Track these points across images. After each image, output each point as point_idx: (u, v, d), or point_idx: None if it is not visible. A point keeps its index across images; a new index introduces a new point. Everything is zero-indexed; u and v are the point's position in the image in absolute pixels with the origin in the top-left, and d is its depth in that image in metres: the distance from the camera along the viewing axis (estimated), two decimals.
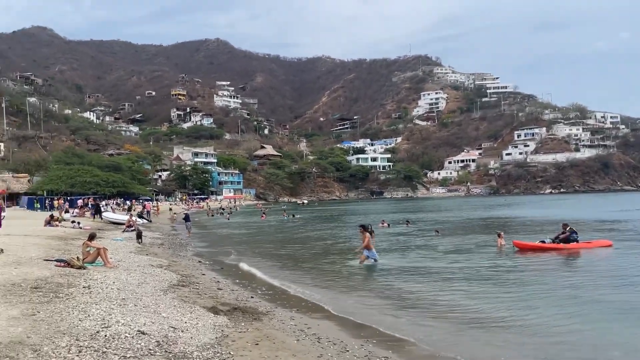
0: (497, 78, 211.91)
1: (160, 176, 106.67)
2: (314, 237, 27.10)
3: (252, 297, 9.97)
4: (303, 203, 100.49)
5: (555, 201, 76.82)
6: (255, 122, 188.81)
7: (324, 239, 25.81)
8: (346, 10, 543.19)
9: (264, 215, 48.82)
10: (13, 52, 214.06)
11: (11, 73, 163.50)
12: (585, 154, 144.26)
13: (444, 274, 13.48)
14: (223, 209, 63.96)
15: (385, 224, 31.00)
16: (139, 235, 20.59)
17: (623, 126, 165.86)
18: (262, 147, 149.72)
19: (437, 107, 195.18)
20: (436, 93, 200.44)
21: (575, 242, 18.12)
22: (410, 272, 14.01)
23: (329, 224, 38.27)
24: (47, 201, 48.13)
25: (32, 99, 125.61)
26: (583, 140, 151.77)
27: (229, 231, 33.51)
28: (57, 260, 12.12)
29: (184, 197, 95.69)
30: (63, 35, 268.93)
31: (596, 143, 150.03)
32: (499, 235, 19.39)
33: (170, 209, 59.67)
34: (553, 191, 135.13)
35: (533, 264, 15.44)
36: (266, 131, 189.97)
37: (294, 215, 49.19)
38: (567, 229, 18.42)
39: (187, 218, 30.32)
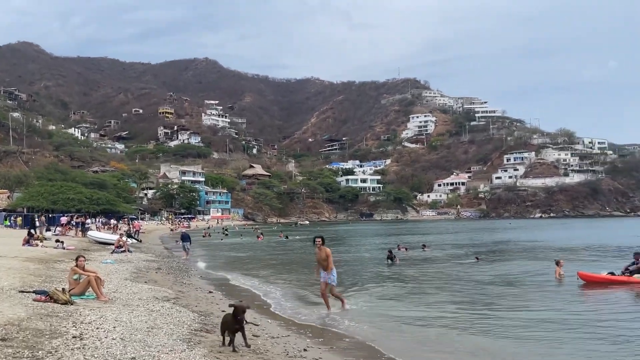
0: (485, 102, 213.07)
1: (146, 194, 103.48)
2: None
3: (306, 350, 7.51)
4: (296, 224, 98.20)
5: (561, 225, 75.54)
6: (244, 142, 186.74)
7: (344, 263, 23.52)
8: (335, 34, 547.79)
9: (261, 236, 46.54)
10: None
11: None
12: (575, 179, 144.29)
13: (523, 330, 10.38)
14: (226, 230, 61.44)
15: (402, 248, 28.83)
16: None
17: (611, 152, 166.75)
18: (251, 167, 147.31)
19: (426, 130, 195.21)
20: (425, 116, 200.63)
21: None
22: (481, 320, 11.59)
23: (338, 246, 35.92)
24: (15, 218, 45.07)
25: (16, 114, 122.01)
26: (572, 165, 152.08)
27: (230, 253, 30.94)
28: (36, 293, 9.63)
29: (171, 217, 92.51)
30: (49, 52, 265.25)
31: (585, 168, 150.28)
32: (558, 264, 17.16)
33: (172, 230, 57.20)
34: (543, 215, 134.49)
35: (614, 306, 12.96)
36: (254, 151, 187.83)
37: (287, 237, 47.21)
38: None
39: (185, 237, 27.71)
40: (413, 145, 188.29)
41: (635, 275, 15.54)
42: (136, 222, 48.28)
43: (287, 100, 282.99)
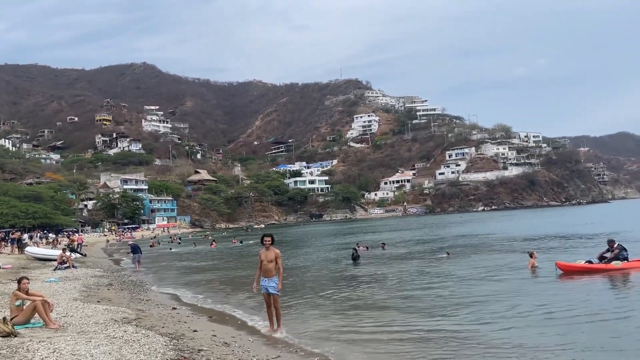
0: (425, 101, 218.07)
1: (86, 206, 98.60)
2: (291, 265, 23.80)
3: None
4: (248, 229, 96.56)
5: (506, 217, 77.97)
6: (187, 147, 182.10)
7: (306, 267, 22.74)
8: (276, 36, 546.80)
9: (214, 243, 45.05)
10: None
11: None
12: (513, 172, 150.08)
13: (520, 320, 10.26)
14: (180, 238, 59.40)
15: (362, 247, 28.40)
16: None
17: (545, 145, 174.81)
18: (196, 172, 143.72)
19: (370, 130, 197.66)
20: (368, 116, 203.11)
21: (625, 261, 15.91)
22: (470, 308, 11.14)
23: (296, 250, 35.13)
24: None
25: None
26: (510, 159, 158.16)
27: (183, 263, 29.50)
28: None
29: (113, 228, 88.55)
30: None
31: (522, 161, 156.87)
32: (531, 255, 17.11)
33: (108, 241, 54.52)
34: (485, 208, 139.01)
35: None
36: (199, 156, 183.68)
37: (241, 242, 46.14)
38: (615, 245, 16.21)
39: (135, 249, 26.08)
40: (358, 145, 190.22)
41: (614, 262, 15.73)
42: (77, 235, 45.48)
43: (230, 104, 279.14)
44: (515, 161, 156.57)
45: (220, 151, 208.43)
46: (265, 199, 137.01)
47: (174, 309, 12.35)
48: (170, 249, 44.51)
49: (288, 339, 9.43)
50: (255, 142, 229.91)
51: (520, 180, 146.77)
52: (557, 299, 11.97)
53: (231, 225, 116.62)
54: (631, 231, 30.86)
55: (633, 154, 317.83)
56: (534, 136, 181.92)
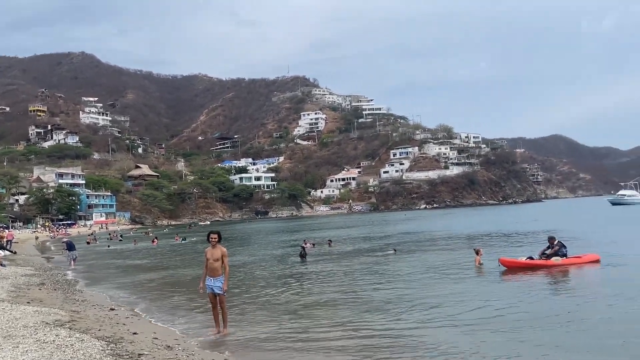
0: (371, 100, 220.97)
1: (17, 200, 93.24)
2: (238, 263, 23.28)
3: None
4: (191, 225, 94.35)
5: (448, 214, 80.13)
6: (128, 141, 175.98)
7: (254, 265, 22.27)
8: (222, 30, 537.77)
9: (155, 240, 43.54)
10: None
11: None
12: (454, 171, 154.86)
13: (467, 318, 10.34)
14: (121, 235, 57.12)
15: (309, 244, 28.17)
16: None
17: (484, 145, 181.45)
18: (137, 167, 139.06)
19: (317, 127, 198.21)
20: (315, 113, 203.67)
21: (564, 257, 16.49)
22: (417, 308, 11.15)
23: (242, 247, 34.46)
24: None
25: None
26: (451, 159, 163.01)
27: (123, 261, 28.21)
28: None
29: (47, 224, 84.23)
30: None
31: (462, 161, 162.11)
32: (477, 253, 17.41)
33: (37, 238, 51.58)
34: (427, 206, 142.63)
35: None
36: (140, 150, 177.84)
37: (184, 239, 44.91)
38: (555, 242, 16.78)
39: (70, 246, 24.74)
40: (305, 142, 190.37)
41: (553, 259, 16.29)
42: (7, 231, 42.76)
43: (174, 97, 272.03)
44: (456, 161, 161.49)
45: (163, 146, 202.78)
46: (210, 195, 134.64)
47: (112, 309, 11.64)
48: (109, 246, 42.71)
49: (235, 342, 9.05)
50: (200, 137, 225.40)
51: (461, 179, 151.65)
52: (501, 297, 12.19)
53: (173, 222, 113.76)
54: (567, 229, 32.34)
55: (565, 155, 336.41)
56: (474, 137, 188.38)
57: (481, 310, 10.76)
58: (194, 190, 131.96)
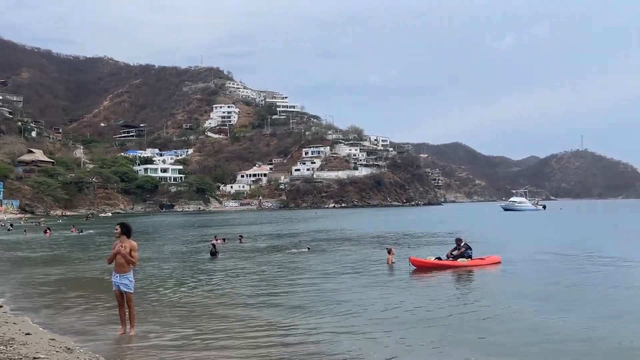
0: (286, 97, 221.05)
1: None
2: (144, 259, 21.93)
3: None
4: (89, 216, 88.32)
5: (357, 214, 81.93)
6: (20, 123, 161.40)
7: (162, 260, 21.04)
8: (132, 12, 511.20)
9: (48, 231, 40.15)
10: None
11: None
12: (362, 172, 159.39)
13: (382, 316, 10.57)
14: (11, 224, 51.91)
15: (219, 240, 27.24)
16: None
17: (392, 149, 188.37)
18: (30, 152, 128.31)
19: (230, 121, 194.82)
20: (228, 107, 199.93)
21: (469, 259, 17.20)
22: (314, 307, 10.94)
23: (148, 242, 32.59)
24: None
25: None
26: (360, 160, 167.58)
27: (12, 253, 25.61)
28: None
29: None
30: None
31: (371, 163, 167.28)
32: (389, 252, 17.64)
33: None
34: (336, 205, 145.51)
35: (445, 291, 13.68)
36: (34, 134, 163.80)
37: (81, 231, 41.94)
38: (462, 244, 17.46)
39: None
40: (216, 136, 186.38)
41: (460, 260, 16.98)
42: None
43: (75, 80, 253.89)
44: (365, 162, 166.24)
45: (60, 131, 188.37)
46: (111, 185, 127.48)
47: (0, 307, 10.36)
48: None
49: (142, 343, 8.35)
50: (102, 124, 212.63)
51: (369, 180, 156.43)
52: (411, 295, 12.52)
53: (69, 213, 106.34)
54: (468, 231, 34.20)
55: (463, 162, 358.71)
56: (382, 140, 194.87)
57: (395, 309, 10.93)
58: (93, 179, 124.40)
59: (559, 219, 62.08)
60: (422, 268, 16.41)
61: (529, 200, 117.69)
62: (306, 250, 23.28)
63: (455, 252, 17.36)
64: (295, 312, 10.62)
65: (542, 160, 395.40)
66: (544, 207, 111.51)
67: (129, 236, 8.79)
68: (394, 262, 17.45)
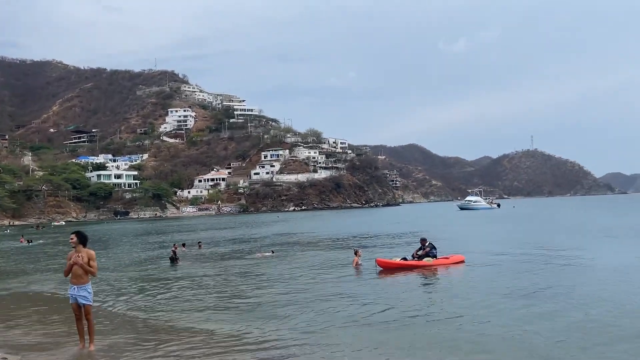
0: (243, 101, 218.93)
1: None
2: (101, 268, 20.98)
3: None
4: (38, 226, 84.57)
5: (318, 216, 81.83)
6: None
7: (119, 270, 20.21)
8: (82, 14, 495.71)
9: None
10: None
11: None
12: (322, 175, 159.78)
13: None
14: None
15: (179, 247, 26.43)
16: None
17: (350, 151, 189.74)
18: None
19: (186, 125, 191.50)
20: (184, 110, 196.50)
21: (434, 258, 17.27)
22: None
23: (103, 250, 31.36)
24: None
25: None
26: (320, 163, 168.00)
27: None
28: None
29: None
30: None
31: (330, 165, 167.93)
32: (356, 253, 17.51)
33: None
34: (296, 208, 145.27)
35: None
36: None
37: (30, 241, 40.04)
38: (427, 244, 17.51)
39: None
40: (172, 140, 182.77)
41: (425, 259, 17.05)
42: None
43: (22, 84, 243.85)
44: (324, 165, 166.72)
45: (7, 137, 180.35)
46: (62, 193, 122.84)
47: None
48: None
49: (103, 359, 7.88)
50: (52, 130, 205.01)
51: (328, 182, 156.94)
52: (379, 297, 12.43)
53: (17, 222, 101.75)
54: (428, 231, 34.64)
55: (420, 163, 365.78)
56: (341, 142, 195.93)
57: (365, 311, 10.84)
58: (43, 187, 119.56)
59: (512, 216, 63.97)
60: (389, 269, 16.42)
61: (484, 199, 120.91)
62: (270, 254, 22.96)
63: (420, 252, 17.45)
64: (263, 319, 10.33)
65: (495, 160, 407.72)
66: (498, 205, 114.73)
67: (85, 245, 8.29)
68: (360, 264, 17.39)
